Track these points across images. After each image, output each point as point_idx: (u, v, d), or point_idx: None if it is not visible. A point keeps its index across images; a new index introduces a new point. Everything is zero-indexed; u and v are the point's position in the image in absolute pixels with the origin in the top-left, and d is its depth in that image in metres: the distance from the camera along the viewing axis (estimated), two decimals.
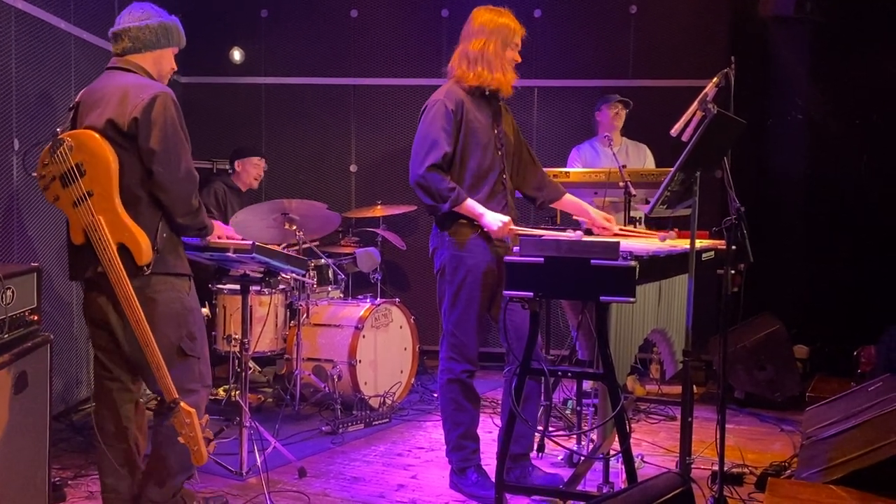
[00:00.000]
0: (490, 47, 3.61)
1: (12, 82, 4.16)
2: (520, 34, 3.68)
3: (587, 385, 4.46)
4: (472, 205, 3.58)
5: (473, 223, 3.61)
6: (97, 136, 2.87)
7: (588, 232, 3.81)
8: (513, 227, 3.59)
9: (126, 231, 2.85)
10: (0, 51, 4.06)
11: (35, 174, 2.94)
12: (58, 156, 2.85)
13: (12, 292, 2.92)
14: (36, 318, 3.10)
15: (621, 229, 3.91)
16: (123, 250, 2.85)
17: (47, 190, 2.90)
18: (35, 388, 3.04)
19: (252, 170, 5.68)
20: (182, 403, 2.86)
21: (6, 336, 2.86)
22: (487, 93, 3.67)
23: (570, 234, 3.51)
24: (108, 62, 3.10)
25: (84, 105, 3.00)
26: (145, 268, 2.88)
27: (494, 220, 3.56)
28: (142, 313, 2.84)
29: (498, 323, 3.66)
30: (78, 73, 4.78)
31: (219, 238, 3.35)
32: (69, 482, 3.76)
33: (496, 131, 3.70)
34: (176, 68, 3.18)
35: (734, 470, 3.94)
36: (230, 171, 5.72)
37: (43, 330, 3.16)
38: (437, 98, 3.64)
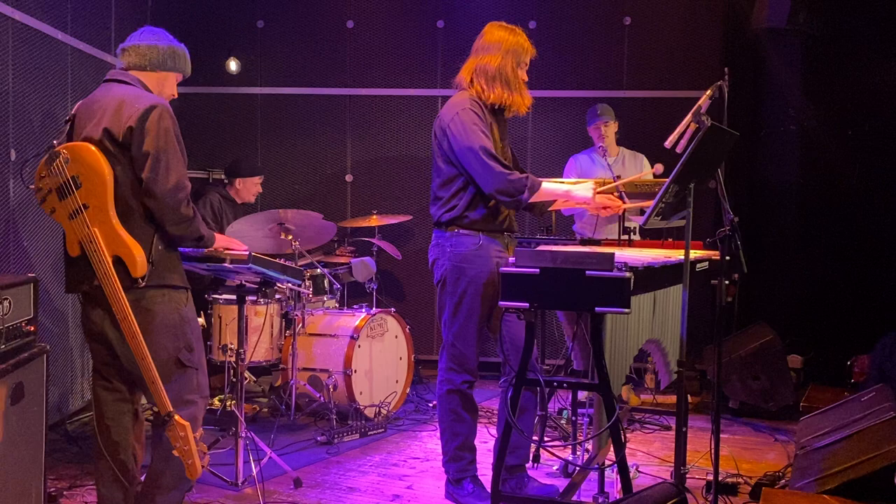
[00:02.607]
0: (508, 66, 3.61)
1: (9, 93, 4.17)
2: (530, 54, 3.68)
3: (582, 395, 4.47)
4: (552, 187, 3.53)
5: (476, 233, 3.61)
6: (93, 148, 2.87)
7: (584, 242, 3.82)
8: (600, 188, 3.56)
9: (121, 243, 2.85)
10: None
11: (32, 186, 2.95)
12: (54, 168, 2.86)
13: (9, 303, 2.93)
14: (32, 328, 3.10)
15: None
16: (119, 263, 2.85)
17: (44, 202, 2.91)
18: (31, 399, 3.04)
19: (253, 188, 5.70)
20: (176, 416, 2.84)
21: (3, 347, 2.87)
22: (497, 107, 3.69)
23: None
24: (107, 74, 3.11)
25: (80, 117, 3.00)
26: (140, 280, 2.87)
27: (583, 189, 3.53)
28: (137, 327, 2.83)
29: (494, 334, 3.67)
30: (75, 83, 4.79)
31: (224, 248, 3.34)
32: (64, 493, 3.75)
33: (502, 145, 3.72)
34: (176, 95, 3.19)
35: (729, 480, 3.95)
36: (226, 183, 5.72)
37: (39, 340, 3.17)
38: (462, 107, 3.59)
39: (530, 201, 3.52)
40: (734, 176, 5.89)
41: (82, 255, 2.87)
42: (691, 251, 3.22)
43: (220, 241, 3.32)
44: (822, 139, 6.05)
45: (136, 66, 3.07)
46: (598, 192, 3.58)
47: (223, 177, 5.81)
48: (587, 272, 2.95)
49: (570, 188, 3.54)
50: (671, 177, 3.03)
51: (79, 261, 2.89)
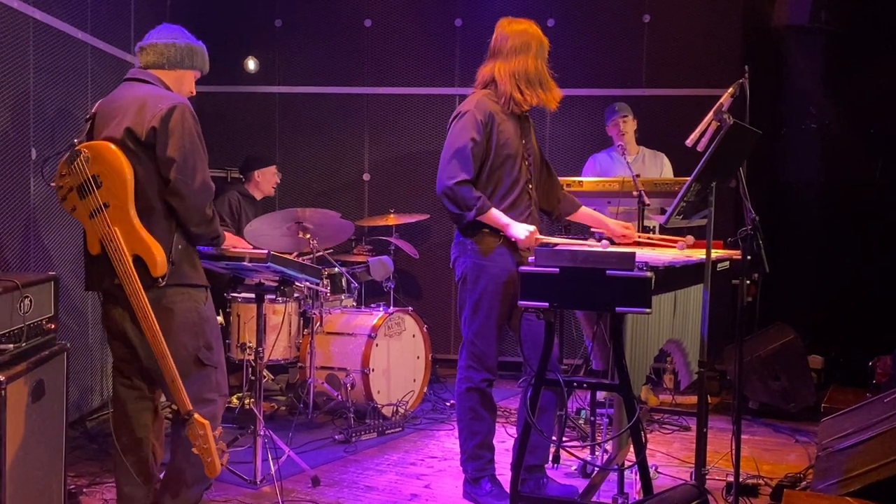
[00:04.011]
0: (541, 65, 3.63)
1: (30, 92, 4.19)
2: (548, 45, 3.70)
3: (600, 395, 4.44)
4: (497, 214, 3.57)
5: (497, 232, 3.60)
6: (114, 147, 2.88)
7: (611, 241, 3.82)
8: (539, 236, 3.59)
9: (141, 243, 2.86)
10: (18, 60, 4.09)
11: (53, 184, 2.96)
12: (75, 167, 2.87)
13: (30, 301, 2.94)
14: (53, 326, 3.12)
15: (640, 236, 3.91)
16: (139, 262, 2.86)
17: (65, 200, 2.92)
18: (52, 397, 3.06)
19: (271, 178, 5.72)
20: (196, 415, 2.85)
21: (24, 344, 2.89)
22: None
23: (593, 244, 3.50)
24: (127, 73, 3.12)
25: (101, 116, 3.01)
26: (160, 279, 2.88)
27: (521, 230, 3.54)
28: (157, 326, 2.84)
29: (515, 333, 3.66)
30: (94, 82, 4.81)
31: (232, 247, 3.37)
32: (84, 490, 3.77)
33: (524, 142, 3.70)
34: (194, 93, 3.21)
35: (749, 481, 3.92)
36: (244, 181, 5.73)
37: (59, 338, 3.18)
38: (466, 108, 3.63)
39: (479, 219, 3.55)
40: (754, 175, 5.84)
41: (102, 253, 2.88)
42: (712, 251, 3.19)
43: (229, 240, 3.34)
44: (844, 138, 5.99)
45: (155, 64, 3.09)
46: (538, 238, 3.58)
47: (240, 175, 5.83)
48: (608, 272, 2.93)
49: (510, 223, 3.56)
50: (693, 175, 3.01)
51: (99, 259, 2.90)
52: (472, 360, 3.69)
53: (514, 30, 3.67)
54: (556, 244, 3.66)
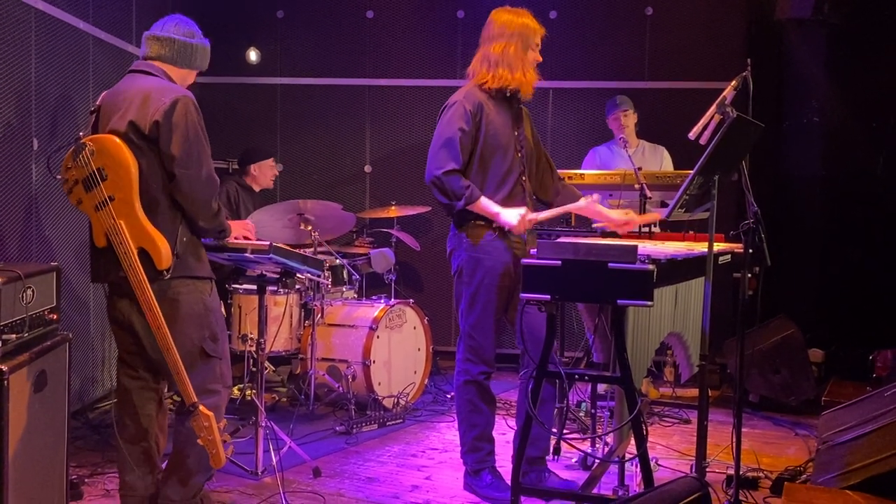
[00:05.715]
0: (511, 49, 3.61)
1: (31, 82, 4.19)
2: (540, 34, 3.69)
3: (601, 387, 4.45)
4: (487, 203, 3.57)
5: (490, 224, 3.61)
6: (118, 141, 2.89)
7: (605, 234, 3.82)
8: (531, 216, 3.58)
9: (146, 236, 2.87)
10: (20, 51, 4.09)
11: (59, 177, 2.97)
12: (80, 160, 2.88)
13: (32, 291, 2.95)
14: (55, 317, 3.13)
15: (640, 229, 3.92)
16: (144, 255, 2.88)
17: (71, 193, 2.93)
18: (54, 387, 3.07)
19: (268, 171, 5.70)
20: (201, 407, 2.88)
21: (26, 335, 2.89)
22: (508, 94, 3.67)
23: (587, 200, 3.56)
24: (132, 65, 3.13)
25: (105, 108, 3.02)
26: (165, 272, 2.90)
27: (511, 215, 3.55)
28: (162, 318, 2.86)
29: (513, 325, 3.66)
30: (96, 73, 4.80)
31: (237, 237, 3.37)
32: (86, 480, 3.78)
33: (516, 133, 3.70)
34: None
35: (749, 474, 3.93)
36: (243, 172, 5.72)
37: (61, 329, 3.19)
38: (455, 99, 3.65)
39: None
40: (756, 168, 5.83)
41: (108, 246, 2.89)
42: (714, 244, 3.19)
43: (236, 228, 3.34)
44: (846, 131, 5.98)
45: (166, 58, 3.09)
46: (530, 219, 3.59)
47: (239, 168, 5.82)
48: (610, 264, 2.93)
49: (500, 211, 3.57)
50: (696, 168, 3.00)
51: (105, 252, 2.92)
52: (470, 353, 3.70)
53: (496, 17, 3.70)
54: (548, 217, 3.68)
